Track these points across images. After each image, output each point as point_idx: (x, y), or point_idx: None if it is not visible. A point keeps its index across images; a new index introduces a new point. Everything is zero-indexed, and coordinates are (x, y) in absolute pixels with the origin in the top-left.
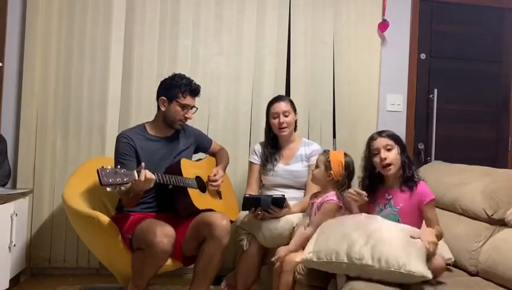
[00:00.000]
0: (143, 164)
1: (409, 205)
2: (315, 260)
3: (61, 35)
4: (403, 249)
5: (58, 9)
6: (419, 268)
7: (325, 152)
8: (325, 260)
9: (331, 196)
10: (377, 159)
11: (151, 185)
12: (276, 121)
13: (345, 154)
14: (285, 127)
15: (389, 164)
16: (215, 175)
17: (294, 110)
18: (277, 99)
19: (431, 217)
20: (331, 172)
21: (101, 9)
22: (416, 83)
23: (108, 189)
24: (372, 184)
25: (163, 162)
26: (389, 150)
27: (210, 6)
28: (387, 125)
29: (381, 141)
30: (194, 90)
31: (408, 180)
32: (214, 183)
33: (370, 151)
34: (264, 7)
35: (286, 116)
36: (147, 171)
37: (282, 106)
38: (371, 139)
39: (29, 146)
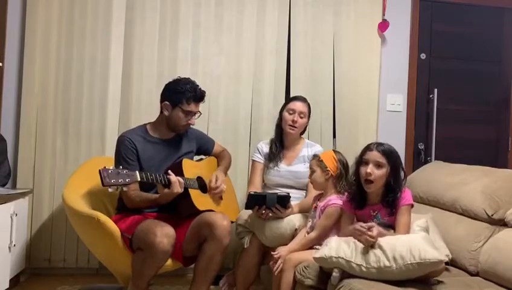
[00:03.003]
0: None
1: (395, 215)
2: (334, 255)
3: (61, 35)
4: (408, 242)
5: (58, 9)
6: (434, 254)
7: (314, 156)
8: (344, 257)
9: (334, 199)
10: (362, 171)
11: (181, 190)
12: (289, 117)
13: (334, 151)
14: (295, 127)
15: (371, 181)
16: (216, 183)
17: (309, 115)
18: (299, 98)
19: (401, 221)
20: (328, 169)
21: (101, 9)
22: (416, 83)
23: (110, 190)
24: (361, 192)
25: (164, 164)
26: (378, 167)
27: (210, 6)
28: (387, 125)
29: (375, 156)
30: (198, 97)
31: (387, 204)
32: (215, 191)
33: (361, 159)
34: (264, 7)
35: (301, 117)
36: (179, 178)
37: (301, 106)
38: (368, 148)
39: (29, 146)
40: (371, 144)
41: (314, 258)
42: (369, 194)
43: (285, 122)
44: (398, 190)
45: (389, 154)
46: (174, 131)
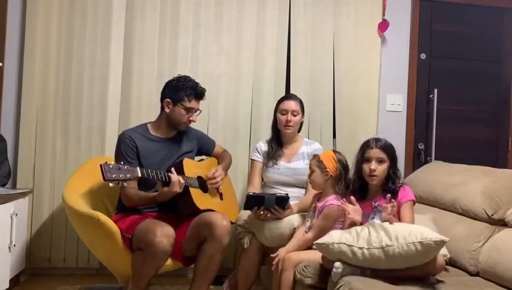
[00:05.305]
0: (172, 169)
1: (396, 209)
2: (336, 241)
3: (61, 35)
4: (410, 227)
5: (58, 9)
6: (436, 235)
7: (314, 156)
8: (345, 243)
9: (331, 200)
10: (366, 168)
11: (180, 190)
12: (283, 118)
13: (334, 151)
14: (291, 126)
15: (376, 175)
16: (214, 173)
17: (303, 111)
18: (289, 97)
19: (405, 217)
20: (327, 170)
21: (101, 9)
22: (416, 83)
23: (110, 185)
24: (362, 186)
25: (165, 163)
26: (380, 162)
27: (210, 6)
28: (387, 125)
29: (376, 153)
30: (199, 93)
31: (389, 192)
32: (212, 181)
33: (362, 157)
34: (264, 7)
35: (294, 115)
36: (180, 177)
37: (293, 104)
38: (367, 146)
39: (29, 146)
40: (369, 141)
41: (316, 243)
42: (371, 187)
43: (280, 123)
44: (397, 178)
45: (388, 149)
46: (175, 128)
